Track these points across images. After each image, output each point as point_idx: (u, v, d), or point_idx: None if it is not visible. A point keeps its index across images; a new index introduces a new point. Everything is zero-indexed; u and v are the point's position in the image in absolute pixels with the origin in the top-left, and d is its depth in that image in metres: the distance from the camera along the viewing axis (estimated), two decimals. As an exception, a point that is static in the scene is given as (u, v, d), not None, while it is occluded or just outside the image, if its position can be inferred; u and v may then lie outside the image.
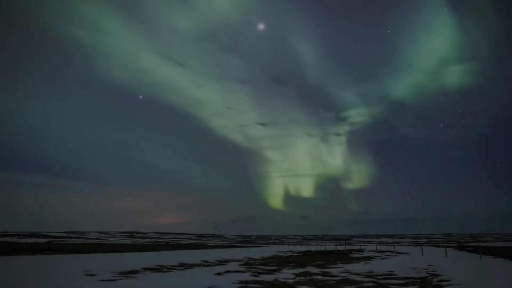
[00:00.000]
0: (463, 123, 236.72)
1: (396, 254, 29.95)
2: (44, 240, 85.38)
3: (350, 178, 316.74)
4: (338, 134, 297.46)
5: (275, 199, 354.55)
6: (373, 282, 11.83)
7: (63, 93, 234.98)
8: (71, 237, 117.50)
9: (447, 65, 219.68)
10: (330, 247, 52.29)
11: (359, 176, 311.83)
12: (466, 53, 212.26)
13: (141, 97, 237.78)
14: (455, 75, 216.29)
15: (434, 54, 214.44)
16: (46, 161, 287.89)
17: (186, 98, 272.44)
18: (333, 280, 12.36)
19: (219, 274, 13.95)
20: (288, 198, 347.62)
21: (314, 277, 13.21)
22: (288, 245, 69.17)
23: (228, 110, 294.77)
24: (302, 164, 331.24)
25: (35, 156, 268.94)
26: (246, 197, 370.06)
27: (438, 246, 52.62)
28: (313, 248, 50.30)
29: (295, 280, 12.23)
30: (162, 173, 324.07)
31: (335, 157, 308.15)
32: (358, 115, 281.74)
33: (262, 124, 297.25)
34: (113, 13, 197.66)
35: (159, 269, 15.48)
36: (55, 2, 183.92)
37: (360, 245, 57.25)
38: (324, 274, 14.27)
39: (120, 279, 11.83)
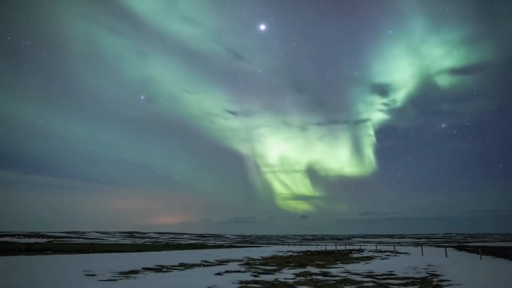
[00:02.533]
0: (461, 115, 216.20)
1: (396, 254, 29.96)
2: (44, 240, 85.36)
3: (344, 176, 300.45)
4: (319, 124, 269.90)
5: (272, 197, 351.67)
6: (373, 282, 11.84)
7: (65, 96, 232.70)
8: (71, 237, 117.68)
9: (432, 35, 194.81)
10: (330, 247, 52.30)
11: (353, 173, 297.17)
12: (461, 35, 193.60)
13: (142, 97, 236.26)
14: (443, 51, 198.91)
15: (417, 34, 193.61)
16: (46, 161, 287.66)
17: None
18: (333, 280, 12.36)
19: (219, 274, 13.95)
20: (286, 196, 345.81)
21: (314, 277, 13.22)
22: (288, 245, 69.16)
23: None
24: (291, 159, 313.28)
25: (36, 156, 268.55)
26: (245, 197, 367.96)
27: (438, 246, 52.63)
28: (313, 248, 50.32)
29: (295, 280, 12.24)
30: (162, 172, 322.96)
31: (329, 152, 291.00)
32: (340, 101, 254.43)
33: (232, 113, 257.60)
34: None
35: (159, 269, 15.49)
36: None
37: (360, 245, 57.23)
38: (324, 274, 14.28)
39: (120, 279, 11.84)
